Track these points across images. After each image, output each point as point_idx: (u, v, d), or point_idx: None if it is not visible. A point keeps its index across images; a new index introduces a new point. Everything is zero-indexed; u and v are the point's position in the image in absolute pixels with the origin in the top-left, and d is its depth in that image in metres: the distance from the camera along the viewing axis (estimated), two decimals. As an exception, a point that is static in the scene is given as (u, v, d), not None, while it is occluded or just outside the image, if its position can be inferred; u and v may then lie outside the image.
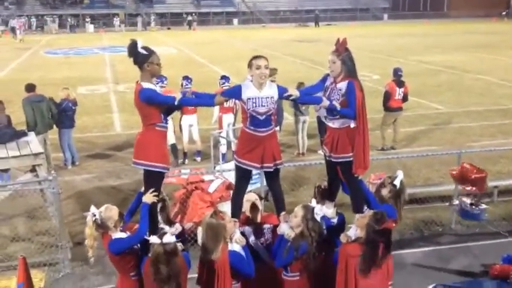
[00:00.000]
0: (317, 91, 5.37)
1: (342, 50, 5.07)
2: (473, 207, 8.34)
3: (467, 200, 8.38)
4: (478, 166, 8.24)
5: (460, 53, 32.25)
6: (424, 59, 29.59)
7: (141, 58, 4.85)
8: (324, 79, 5.34)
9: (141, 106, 4.87)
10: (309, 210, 4.98)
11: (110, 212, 4.94)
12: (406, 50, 34.11)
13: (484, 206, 8.36)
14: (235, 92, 5.14)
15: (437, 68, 26.54)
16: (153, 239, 4.64)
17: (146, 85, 4.87)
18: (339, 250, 4.88)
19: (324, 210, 5.29)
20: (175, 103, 4.85)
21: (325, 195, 5.51)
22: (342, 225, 5.38)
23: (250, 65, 5.04)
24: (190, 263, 4.98)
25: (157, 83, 11.22)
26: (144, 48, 4.87)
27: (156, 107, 4.87)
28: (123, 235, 4.94)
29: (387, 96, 12.79)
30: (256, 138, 5.09)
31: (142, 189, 5.07)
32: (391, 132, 13.09)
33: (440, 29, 52.92)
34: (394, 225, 4.99)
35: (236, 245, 4.90)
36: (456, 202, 8.51)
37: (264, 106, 5.01)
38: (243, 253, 4.90)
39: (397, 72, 12.93)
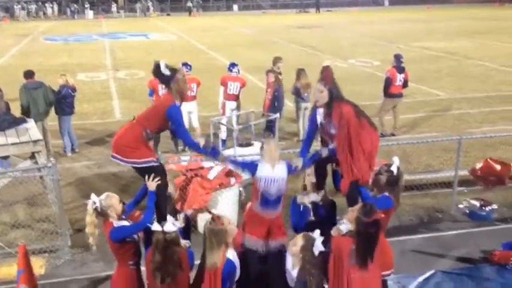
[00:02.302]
0: (311, 139, 5.90)
1: (329, 80, 5.36)
2: (483, 208, 8.40)
3: (476, 203, 8.46)
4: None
5: (462, 39, 32.10)
6: (425, 45, 29.48)
7: (166, 78, 5.15)
8: (313, 119, 5.66)
9: (160, 116, 5.15)
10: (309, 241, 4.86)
11: (111, 200, 4.94)
12: (407, 36, 33.94)
13: (494, 206, 8.39)
14: (252, 167, 5.35)
15: (438, 54, 26.43)
16: (155, 226, 4.64)
17: (177, 102, 5.19)
18: (331, 244, 4.84)
19: (313, 198, 5.53)
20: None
21: (315, 184, 5.65)
22: (333, 211, 5.50)
23: (262, 148, 5.38)
24: (193, 260, 4.94)
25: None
26: (168, 68, 5.14)
27: (167, 122, 5.19)
28: (126, 223, 4.94)
29: (388, 82, 12.75)
30: (264, 220, 5.35)
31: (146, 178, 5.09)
32: (391, 118, 13.06)
33: (441, 14, 52.65)
34: (383, 216, 4.94)
35: (230, 252, 4.86)
36: (462, 205, 8.60)
37: (275, 187, 5.24)
38: (236, 260, 4.89)
39: (398, 59, 12.90)
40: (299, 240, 4.87)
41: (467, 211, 8.56)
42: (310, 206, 5.57)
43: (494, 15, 50.33)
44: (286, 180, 5.35)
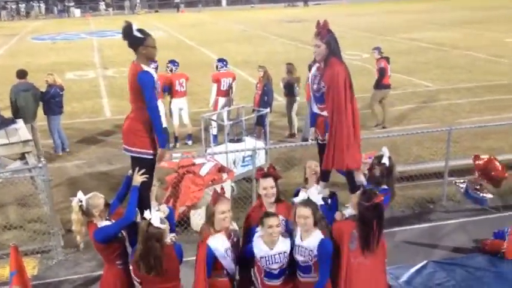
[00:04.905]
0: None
1: (324, 32, 5.02)
2: (478, 192, 8.37)
3: (474, 186, 8.41)
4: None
5: (451, 30, 32.23)
6: (413, 36, 29.56)
7: (137, 41, 4.81)
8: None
9: (136, 87, 4.79)
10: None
11: (98, 200, 4.88)
12: (395, 28, 34.01)
13: (490, 195, 8.35)
14: (249, 253, 4.95)
15: (427, 45, 26.51)
16: (146, 214, 4.61)
17: (146, 68, 4.82)
18: (332, 227, 4.88)
19: (319, 190, 5.29)
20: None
21: (319, 176, 5.52)
22: (335, 205, 5.40)
23: (262, 223, 4.83)
24: (182, 256, 4.90)
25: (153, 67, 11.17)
26: (139, 30, 4.82)
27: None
28: (109, 223, 4.89)
29: (383, 73, 12.79)
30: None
31: (130, 172, 5.01)
32: (380, 112, 13.07)
33: (433, 6, 52.64)
34: (382, 198, 4.93)
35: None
36: (463, 184, 8.56)
37: (277, 262, 4.86)
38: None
39: (379, 50, 13.04)
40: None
41: (467, 190, 8.47)
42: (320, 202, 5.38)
43: (487, 5, 50.24)
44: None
